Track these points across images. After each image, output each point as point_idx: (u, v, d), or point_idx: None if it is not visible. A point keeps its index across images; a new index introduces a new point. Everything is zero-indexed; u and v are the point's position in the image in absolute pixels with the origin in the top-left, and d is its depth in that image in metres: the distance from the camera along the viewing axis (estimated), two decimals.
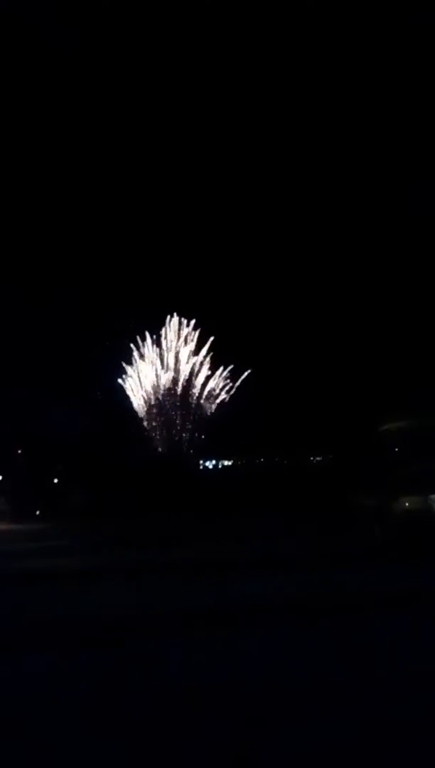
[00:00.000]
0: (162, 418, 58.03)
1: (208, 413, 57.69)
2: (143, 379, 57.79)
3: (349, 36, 47.73)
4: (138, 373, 57.66)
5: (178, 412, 57.73)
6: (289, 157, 51.35)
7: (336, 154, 48.82)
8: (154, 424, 58.66)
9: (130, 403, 58.40)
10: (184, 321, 57.51)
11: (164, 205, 55.96)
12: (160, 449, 57.59)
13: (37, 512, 33.34)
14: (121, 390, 57.76)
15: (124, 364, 57.44)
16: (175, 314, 57.60)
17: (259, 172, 54.80)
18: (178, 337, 57.53)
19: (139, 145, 56.60)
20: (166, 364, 57.68)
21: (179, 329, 57.55)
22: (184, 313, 57.43)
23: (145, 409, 57.82)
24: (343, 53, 45.88)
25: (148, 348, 57.32)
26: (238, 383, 57.02)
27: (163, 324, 57.87)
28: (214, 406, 57.73)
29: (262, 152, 54.59)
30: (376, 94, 48.64)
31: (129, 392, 57.93)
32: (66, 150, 53.29)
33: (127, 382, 58.00)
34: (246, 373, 54.38)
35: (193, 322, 57.32)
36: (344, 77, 47.90)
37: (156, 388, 57.68)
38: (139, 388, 58.07)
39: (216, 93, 51.50)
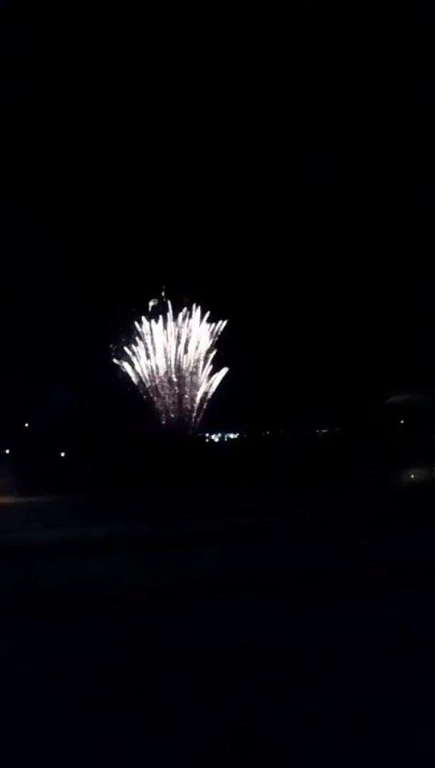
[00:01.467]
0: (168, 392, 57.62)
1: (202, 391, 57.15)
2: (153, 354, 56.93)
3: (348, 36, 47.02)
4: (145, 346, 56.77)
5: (185, 386, 57.30)
6: (291, 139, 50.68)
7: (337, 135, 48.17)
8: (158, 397, 58.31)
9: (134, 378, 57.95)
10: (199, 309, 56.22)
11: (165, 189, 55.06)
12: (164, 423, 57.48)
13: (45, 485, 33.53)
14: (124, 364, 57.20)
15: (134, 335, 56.27)
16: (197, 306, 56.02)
17: (258, 161, 53.96)
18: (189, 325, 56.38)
19: (139, 130, 55.54)
20: (180, 343, 56.47)
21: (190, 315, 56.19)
22: (186, 288, 55.73)
23: (151, 382, 57.38)
24: (343, 53, 45.28)
25: (169, 323, 55.97)
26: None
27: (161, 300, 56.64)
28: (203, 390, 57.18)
29: (263, 137, 53.81)
30: (375, 92, 48.14)
31: (134, 365, 57.28)
32: (65, 137, 52.60)
33: (132, 357, 57.24)
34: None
35: (208, 313, 56.12)
36: (344, 75, 47.29)
37: (156, 368, 56.92)
38: (147, 360, 57.28)
39: (215, 78, 50.53)
